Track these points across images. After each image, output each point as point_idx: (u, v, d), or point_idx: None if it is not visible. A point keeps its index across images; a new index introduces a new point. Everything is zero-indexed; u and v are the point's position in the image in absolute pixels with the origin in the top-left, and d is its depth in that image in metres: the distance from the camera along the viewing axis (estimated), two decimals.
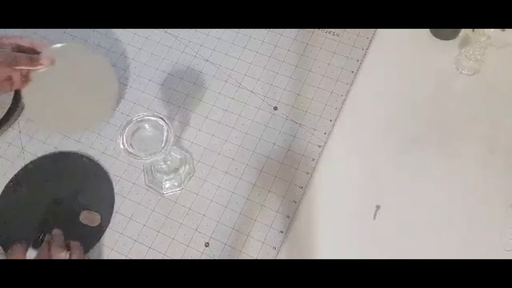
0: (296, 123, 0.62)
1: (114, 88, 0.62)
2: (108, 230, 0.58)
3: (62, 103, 0.60)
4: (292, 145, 0.61)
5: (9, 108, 0.65)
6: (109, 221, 0.58)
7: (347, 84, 0.64)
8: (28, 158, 0.62)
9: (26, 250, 0.52)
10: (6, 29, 0.71)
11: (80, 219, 0.58)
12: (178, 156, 0.60)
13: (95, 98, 0.61)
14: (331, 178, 0.59)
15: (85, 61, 0.61)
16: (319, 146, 0.61)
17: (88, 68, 0.61)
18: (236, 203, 0.58)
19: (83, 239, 0.57)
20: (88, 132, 0.64)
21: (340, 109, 0.63)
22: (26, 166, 0.61)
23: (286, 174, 0.59)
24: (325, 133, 0.61)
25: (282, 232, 0.56)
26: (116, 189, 0.60)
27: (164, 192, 0.59)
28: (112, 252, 0.57)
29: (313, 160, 0.60)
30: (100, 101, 0.62)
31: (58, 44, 0.59)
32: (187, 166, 0.60)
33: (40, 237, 0.56)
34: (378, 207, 0.57)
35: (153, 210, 0.58)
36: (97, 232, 0.57)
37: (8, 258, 0.51)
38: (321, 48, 0.67)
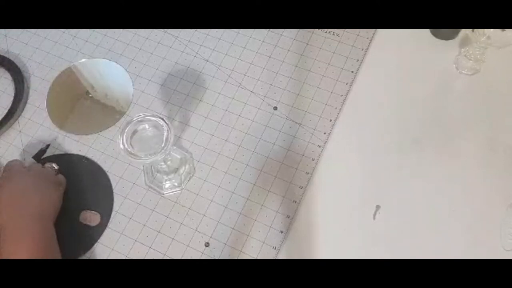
0: (296, 123, 0.62)
1: (129, 96, 0.66)
2: (108, 230, 0.58)
3: (82, 108, 0.66)
4: (292, 145, 0.61)
5: (10, 109, 0.65)
6: (108, 221, 0.58)
7: (347, 84, 0.64)
8: (28, 158, 0.62)
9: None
10: (7, 30, 0.72)
11: (80, 219, 0.58)
12: (178, 156, 0.60)
13: (112, 104, 0.66)
14: (331, 178, 0.59)
15: (107, 73, 0.68)
16: (319, 146, 0.61)
17: (109, 78, 0.68)
18: (236, 203, 0.58)
19: (82, 238, 0.57)
20: None
21: (340, 109, 0.63)
22: None
23: (286, 174, 0.59)
24: (325, 133, 0.61)
25: (282, 232, 0.56)
26: (116, 189, 0.60)
27: (164, 192, 0.59)
28: (112, 252, 0.57)
29: (313, 160, 0.60)
30: (117, 107, 0.66)
31: (84, 59, 0.69)
32: (187, 166, 0.60)
33: (42, 148, 0.61)
34: (378, 207, 0.57)
35: (153, 210, 0.58)
36: (96, 232, 0.57)
37: (6, 171, 0.56)
38: (321, 48, 0.67)
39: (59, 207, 0.56)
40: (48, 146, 0.62)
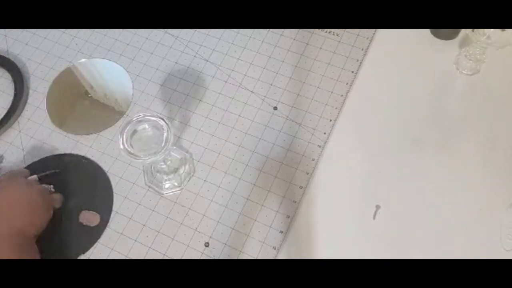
0: (296, 123, 0.62)
1: (129, 96, 0.66)
2: (108, 230, 0.58)
3: (82, 108, 0.66)
4: (292, 145, 0.61)
5: (9, 109, 0.65)
6: (108, 221, 0.58)
7: (347, 84, 0.64)
8: (28, 158, 0.62)
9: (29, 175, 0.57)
10: (7, 30, 0.72)
11: (80, 219, 0.58)
12: (178, 156, 0.60)
13: (111, 104, 0.65)
14: (331, 178, 0.59)
15: (107, 73, 0.68)
16: (319, 146, 0.61)
17: (109, 78, 0.68)
18: (236, 203, 0.58)
19: (82, 239, 0.57)
20: None
21: (340, 109, 0.63)
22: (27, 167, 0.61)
23: (286, 174, 0.59)
24: (325, 133, 0.61)
25: (282, 232, 0.56)
26: (116, 189, 0.60)
27: (164, 192, 0.59)
28: (112, 252, 0.56)
29: (313, 160, 0.60)
30: (116, 107, 0.66)
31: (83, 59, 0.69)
32: (187, 166, 0.60)
33: (46, 173, 0.59)
34: (378, 207, 0.57)
35: (153, 210, 0.58)
36: (96, 232, 0.57)
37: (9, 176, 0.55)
38: (321, 48, 0.67)
39: (44, 227, 0.54)
40: (57, 173, 0.60)
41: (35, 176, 0.57)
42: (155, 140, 0.49)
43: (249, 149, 0.61)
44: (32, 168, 0.61)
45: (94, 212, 0.58)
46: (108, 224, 0.58)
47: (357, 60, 0.66)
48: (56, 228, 0.55)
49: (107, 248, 0.57)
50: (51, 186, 0.58)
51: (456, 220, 0.56)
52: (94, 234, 0.57)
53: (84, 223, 0.58)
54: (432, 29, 0.66)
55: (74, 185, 0.60)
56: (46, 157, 0.62)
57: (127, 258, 0.56)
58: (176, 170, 0.59)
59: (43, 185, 0.57)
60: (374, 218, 0.56)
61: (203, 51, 0.68)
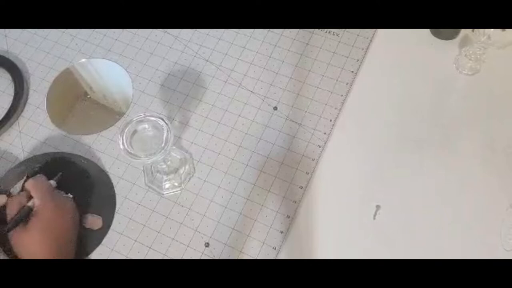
0: (296, 123, 0.62)
1: (129, 97, 0.66)
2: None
3: (82, 108, 0.66)
4: (292, 145, 0.61)
5: (9, 108, 0.65)
6: (111, 224, 0.58)
7: (347, 84, 0.64)
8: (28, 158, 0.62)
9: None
10: (7, 30, 0.72)
11: (83, 223, 0.58)
12: (178, 156, 0.60)
13: (111, 104, 0.66)
14: (331, 178, 0.59)
15: (107, 73, 0.68)
16: (319, 146, 0.61)
17: (109, 78, 0.68)
18: (236, 203, 0.58)
19: (84, 243, 0.56)
20: None
21: (340, 109, 0.63)
22: (27, 168, 0.61)
23: (286, 174, 0.59)
24: (325, 133, 0.61)
25: (282, 232, 0.56)
26: (116, 189, 0.60)
27: (164, 192, 0.59)
28: (112, 252, 0.56)
29: (313, 160, 0.60)
30: (115, 108, 0.66)
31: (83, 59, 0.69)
32: (187, 166, 0.60)
33: (58, 176, 0.58)
34: (378, 207, 0.57)
35: (153, 210, 0.58)
36: (99, 236, 0.57)
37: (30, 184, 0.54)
38: (321, 48, 0.67)
39: None
40: (61, 174, 0.59)
41: (53, 182, 0.57)
42: (155, 140, 0.49)
43: (249, 149, 0.61)
44: (30, 162, 0.61)
45: (97, 216, 0.58)
46: (110, 227, 0.58)
47: (357, 60, 0.66)
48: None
49: (107, 248, 0.57)
50: (69, 194, 0.57)
51: (456, 220, 0.56)
52: (96, 237, 0.57)
53: (87, 227, 0.57)
54: (432, 29, 0.66)
55: (74, 187, 0.59)
56: (45, 156, 0.61)
57: (127, 258, 0.56)
58: (176, 170, 0.59)
59: (63, 194, 0.56)
60: (374, 218, 0.56)
61: (203, 51, 0.68)
